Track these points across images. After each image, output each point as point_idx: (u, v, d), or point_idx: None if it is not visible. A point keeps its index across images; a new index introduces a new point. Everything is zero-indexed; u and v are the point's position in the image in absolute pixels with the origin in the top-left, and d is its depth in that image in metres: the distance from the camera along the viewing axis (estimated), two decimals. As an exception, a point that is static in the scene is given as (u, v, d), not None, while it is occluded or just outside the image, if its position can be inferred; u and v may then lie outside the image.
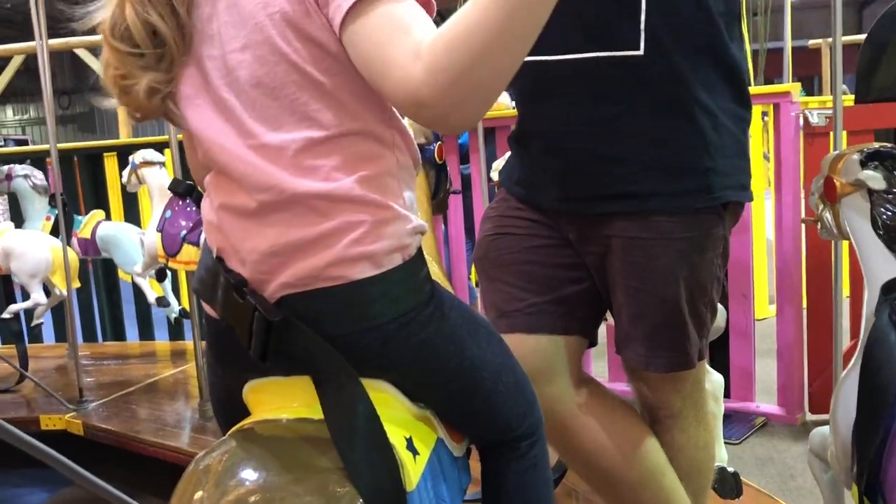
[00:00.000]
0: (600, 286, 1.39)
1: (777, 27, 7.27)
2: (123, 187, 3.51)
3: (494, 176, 2.62)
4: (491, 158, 3.27)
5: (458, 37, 0.73)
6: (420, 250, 0.94)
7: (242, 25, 0.84)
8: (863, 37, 6.89)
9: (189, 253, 2.83)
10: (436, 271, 1.15)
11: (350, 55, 0.80)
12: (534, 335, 1.38)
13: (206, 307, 0.94)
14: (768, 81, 9.18)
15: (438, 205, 2.01)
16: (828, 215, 1.31)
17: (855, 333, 2.53)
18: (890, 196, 1.14)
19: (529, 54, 1.34)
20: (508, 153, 2.58)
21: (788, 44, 6.41)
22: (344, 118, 0.84)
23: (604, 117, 1.29)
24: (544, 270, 1.40)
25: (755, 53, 7.90)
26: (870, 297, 1.21)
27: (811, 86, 9.70)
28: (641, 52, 1.25)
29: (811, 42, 6.60)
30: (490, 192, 3.09)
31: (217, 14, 0.86)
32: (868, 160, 1.18)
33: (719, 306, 1.49)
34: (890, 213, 1.14)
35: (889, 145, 1.18)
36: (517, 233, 1.42)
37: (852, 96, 2.87)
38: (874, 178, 1.16)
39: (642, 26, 1.25)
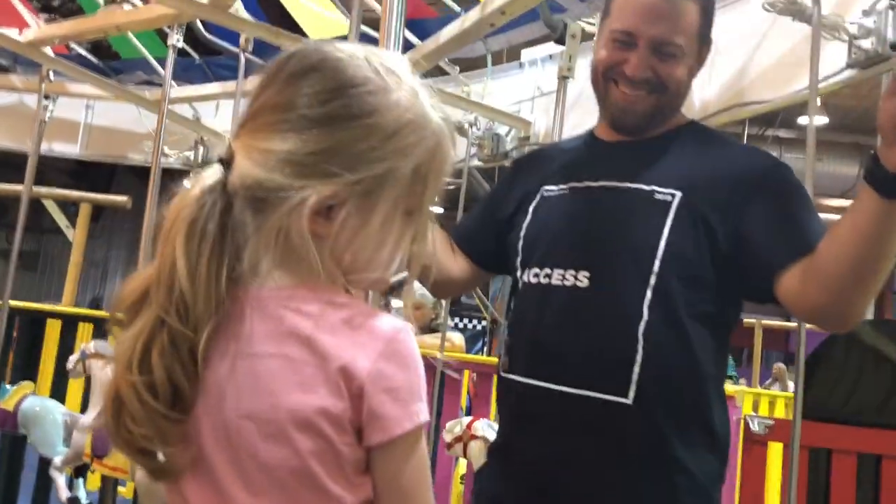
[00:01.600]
0: None
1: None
2: (59, 359, 3.39)
3: (447, 437, 2.63)
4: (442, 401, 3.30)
5: None
6: None
7: (257, 399, 0.80)
8: (790, 324, 7.28)
9: (118, 458, 2.70)
10: None
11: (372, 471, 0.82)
12: None
13: None
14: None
15: None
16: None
17: None
18: None
19: (520, 373, 1.39)
20: (465, 419, 2.61)
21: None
22: None
23: (583, 458, 1.32)
24: None
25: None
26: None
27: (740, 356, 10.15)
28: (630, 400, 1.30)
29: (745, 320, 7.00)
30: (434, 443, 3.06)
31: (235, 374, 0.81)
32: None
33: None
34: None
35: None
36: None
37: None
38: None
39: (635, 377, 1.31)
